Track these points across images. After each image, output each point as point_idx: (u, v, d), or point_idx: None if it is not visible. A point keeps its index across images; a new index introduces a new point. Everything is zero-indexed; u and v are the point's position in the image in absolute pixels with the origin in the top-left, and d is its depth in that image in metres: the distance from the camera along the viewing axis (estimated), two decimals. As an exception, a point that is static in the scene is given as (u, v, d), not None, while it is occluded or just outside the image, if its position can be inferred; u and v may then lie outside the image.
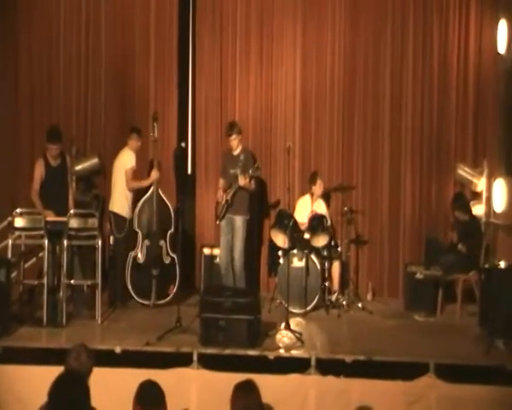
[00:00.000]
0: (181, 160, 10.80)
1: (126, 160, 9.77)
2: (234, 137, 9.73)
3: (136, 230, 9.82)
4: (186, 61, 11.12)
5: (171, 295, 9.59)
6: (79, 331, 8.36)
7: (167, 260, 9.79)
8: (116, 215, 9.70)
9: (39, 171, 9.11)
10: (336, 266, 9.88)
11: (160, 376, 5.65)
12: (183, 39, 11.09)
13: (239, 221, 9.70)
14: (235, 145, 9.78)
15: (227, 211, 9.72)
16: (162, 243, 9.83)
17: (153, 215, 9.79)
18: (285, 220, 9.56)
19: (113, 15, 11.07)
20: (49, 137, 9.15)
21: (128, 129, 10.15)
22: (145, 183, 9.85)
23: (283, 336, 8.16)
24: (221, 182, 9.95)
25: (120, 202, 9.74)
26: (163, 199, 9.89)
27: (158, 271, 9.67)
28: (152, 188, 9.82)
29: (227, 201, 9.68)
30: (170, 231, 9.82)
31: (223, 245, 9.87)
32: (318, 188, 10.09)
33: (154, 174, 9.78)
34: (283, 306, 9.09)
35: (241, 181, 9.52)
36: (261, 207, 10.72)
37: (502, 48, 10.20)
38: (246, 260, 9.82)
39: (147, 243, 9.82)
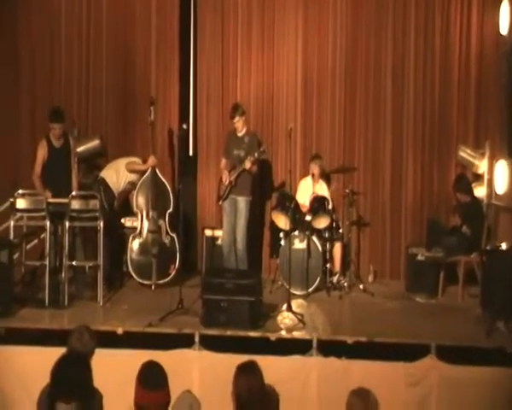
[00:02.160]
0: (182, 141, 10.77)
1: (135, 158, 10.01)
2: (237, 119, 9.72)
3: (136, 210, 9.83)
4: (187, 43, 11.08)
5: (171, 275, 9.60)
6: (81, 313, 8.37)
7: (167, 240, 9.81)
8: (106, 185, 9.71)
9: (42, 152, 9.12)
10: (338, 247, 9.88)
11: (162, 357, 5.67)
12: (185, 21, 11.03)
13: (242, 202, 9.70)
14: (240, 127, 9.77)
15: (230, 192, 9.72)
16: (161, 222, 9.85)
17: (151, 196, 9.81)
18: (286, 202, 9.56)
19: (114, 1, 11.03)
20: (51, 116, 9.17)
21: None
22: (143, 167, 9.90)
23: (285, 318, 8.21)
24: (223, 162, 9.95)
25: (111, 175, 9.84)
26: (161, 179, 9.93)
27: (157, 250, 9.69)
28: (149, 169, 9.84)
29: (231, 182, 9.67)
30: (169, 211, 9.84)
31: (225, 226, 9.88)
32: (314, 168, 10.09)
33: (151, 161, 9.84)
34: (285, 287, 9.11)
35: (248, 164, 9.51)
36: (264, 189, 10.71)
37: (504, 29, 10.16)
38: (248, 242, 9.83)
39: (146, 223, 9.83)
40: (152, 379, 4.43)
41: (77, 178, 9.46)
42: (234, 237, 9.77)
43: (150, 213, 9.83)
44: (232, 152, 9.81)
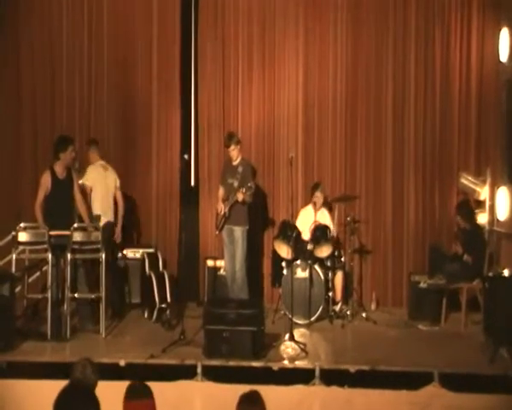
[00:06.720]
0: (184, 172, 10.80)
1: None
2: (232, 147, 9.75)
3: None
4: (188, 73, 11.16)
5: None
6: (84, 345, 8.39)
7: None
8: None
9: (46, 183, 8.98)
10: (340, 276, 9.88)
11: (165, 388, 5.68)
12: (186, 50, 11.14)
13: (238, 232, 9.72)
14: (235, 156, 9.81)
15: (225, 222, 9.76)
16: None
17: None
18: (288, 231, 9.55)
19: (115, 28, 11.14)
20: (65, 142, 9.03)
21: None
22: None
23: (287, 347, 8.20)
24: (220, 191, 10.00)
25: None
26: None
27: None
28: None
29: (225, 213, 9.72)
30: None
31: (226, 257, 9.90)
32: (318, 198, 10.09)
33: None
34: (287, 317, 9.10)
35: (240, 197, 9.52)
36: (263, 219, 10.74)
37: (504, 56, 10.23)
38: (249, 271, 9.82)
39: None
40: (136, 391, 4.50)
41: (88, 211, 9.38)
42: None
43: None
44: (227, 181, 9.85)
